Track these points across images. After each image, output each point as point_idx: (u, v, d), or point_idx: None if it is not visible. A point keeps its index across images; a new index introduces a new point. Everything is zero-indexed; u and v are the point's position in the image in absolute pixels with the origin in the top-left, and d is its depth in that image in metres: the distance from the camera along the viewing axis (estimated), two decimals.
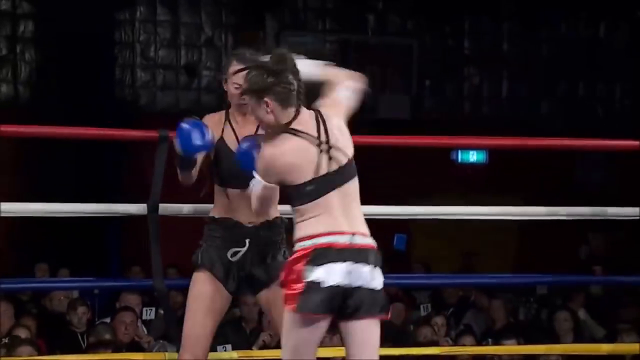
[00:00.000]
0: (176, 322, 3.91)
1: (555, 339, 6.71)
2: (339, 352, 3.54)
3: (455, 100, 11.40)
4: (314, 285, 3.20)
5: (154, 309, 6.49)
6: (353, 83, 3.44)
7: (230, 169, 3.63)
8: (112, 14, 10.22)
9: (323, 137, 3.28)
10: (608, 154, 10.18)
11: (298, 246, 3.28)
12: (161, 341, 6.10)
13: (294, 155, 3.28)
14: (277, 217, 3.72)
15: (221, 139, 3.71)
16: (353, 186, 3.30)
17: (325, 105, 3.36)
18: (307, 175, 3.27)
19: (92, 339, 6.04)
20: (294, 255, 3.27)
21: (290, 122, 3.30)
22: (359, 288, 3.22)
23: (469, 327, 7.11)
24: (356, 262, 3.21)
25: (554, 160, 9.76)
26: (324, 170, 3.27)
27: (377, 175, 10.21)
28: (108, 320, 6.36)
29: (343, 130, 3.33)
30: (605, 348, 4.68)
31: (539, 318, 7.91)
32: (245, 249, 3.67)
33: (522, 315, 8.13)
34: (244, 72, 3.50)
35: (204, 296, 3.66)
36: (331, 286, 3.20)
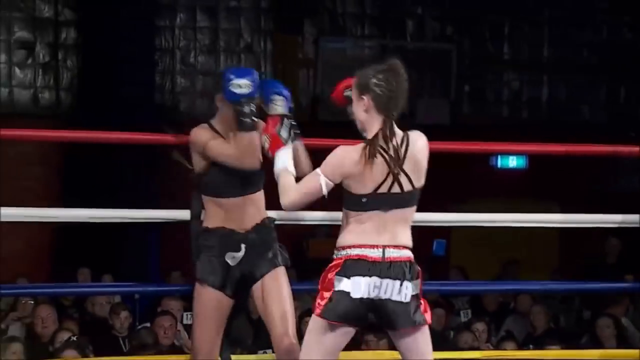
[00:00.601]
0: None
1: (598, 346, 6.66)
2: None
3: (495, 104, 11.36)
4: (341, 295, 3.29)
5: None
6: None
7: (225, 179, 3.71)
8: (152, 20, 10.30)
9: (400, 159, 3.35)
10: None
11: (335, 254, 3.39)
12: None
13: (364, 167, 3.34)
14: (265, 219, 3.82)
15: None
16: (408, 212, 3.37)
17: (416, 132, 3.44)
18: (367, 189, 3.35)
19: (134, 343, 6.10)
20: (330, 264, 3.38)
21: (377, 134, 3.37)
22: (386, 301, 3.30)
23: (510, 333, 7.08)
24: (384, 276, 3.29)
25: (595, 165, 9.70)
26: (384, 190, 3.34)
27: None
28: (149, 325, 6.40)
29: (420, 160, 3.38)
30: None
31: (580, 324, 7.85)
32: (242, 253, 3.76)
33: (563, 322, 8.08)
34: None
35: (209, 309, 3.77)
36: (357, 298, 3.29)
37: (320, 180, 3.37)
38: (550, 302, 7.96)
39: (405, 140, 3.38)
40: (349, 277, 3.29)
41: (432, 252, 8.89)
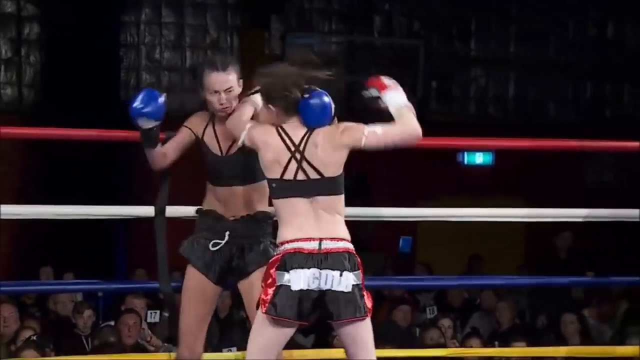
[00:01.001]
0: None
1: (562, 342, 6.72)
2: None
3: (462, 101, 11.41)
4: (283, 289, 3.36)
5: (158, 312, 6.52)
6: (398, 133, 3.54)
7: (211, 168, 3.76)
8: (117, 16, 10.25)
9: (301, 147, 3.43)
10: (618, 156, 10.17)
11: (274, 251, 3.49)
12: (166, 344, 6.12)
13: (270, 150, 3.46)
14: (259, 212, 3.81)
15: (202, 139, 3.81)
16: (327, 200, 3.43)
17: (343, 126, 3.50)
18: (274, 173, 3.45)
19: (96, 342, 6.06)
20: (271, 260, 3.46)
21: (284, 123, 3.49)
22: (327, 292, 3.36)
23: (476, 330, 7.12)
24: (323, 267, 3.35)
25: (563, 162, 9.77)
26: (289, 177, 3.44)
27: (382, 178, 10.25)
28: (112, 323, 6.37)
29: (326, 150, 3.44)
30: (611, 350, 4.68)
31: (544, 320, 7.92)
32: (224, 241, 3.77)
33: (528, 318, 8.14)
34: (221, 78, 3.66)
35: (192, 290, 3.80)
36: (298, 290, 3.35)
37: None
38: (517, 299, 8.01)
39: (309, 131, 3.47)
40: (288, 271, 3.36)
41: (398, 249, 8.93)
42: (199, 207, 3.86)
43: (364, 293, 3.42)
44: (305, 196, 3.40)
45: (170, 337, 6.01)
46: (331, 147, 3.44)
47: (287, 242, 3.41)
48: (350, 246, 3.43)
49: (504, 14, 11.34)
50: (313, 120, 3.47)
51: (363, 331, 3.42)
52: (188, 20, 10.68)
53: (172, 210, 4.01)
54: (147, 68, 10.56)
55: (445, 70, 11.32)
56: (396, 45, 11.13)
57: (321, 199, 3.41)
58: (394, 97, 3.57)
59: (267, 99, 3.48)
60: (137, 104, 3.68)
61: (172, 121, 3.94)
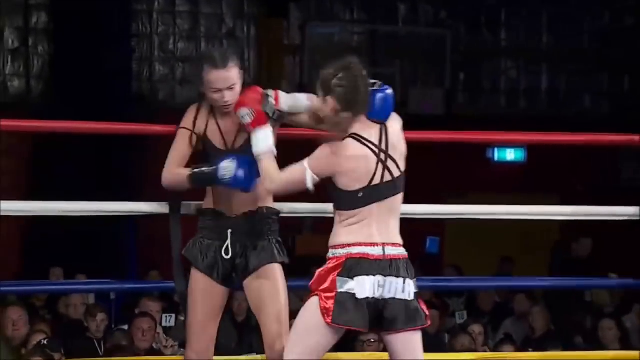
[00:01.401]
0: None
1: (601, 349, 6.69)
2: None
3: (491, 94, 11.39)
4: (348, 297, 3.35)
5: (174, 315, 6.54)
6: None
7: (214, 164, 3.72)
8: (129, 5, 10.28)
9: (383, 146, 3.45)
10: None
11: (331, 254, 3.44)
12: (182, 350, 6.13)
13: (356, 161, 3.42)
14: (261, 207, 3.81)
15: (204, 135, 3.80)
16: (398, 199, 3.46)
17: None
18: (361, 183, 3.42)
19: (109, 346, 6.09)
20: (328, 264, 3.42)
21: (353, 128, 3.47)
22: (391, 300, 3.37)
23: (509, 336, 7.10)
24: (388, 274, 3.36)
25: (598, 157, 9.73)
26: (377, 181, 3.43)
27: (407, 173, 10.19)
28: (126, 327, 6.40)
29: (400, 141, 3.49)
30: None
31: (583, 326, 7.89)
32: (228, 241, 3.78)
33: (565, 323, 8.09)
34: (222, 75, 3.67)
35: (198, 293, 3.79)
36: (364, 298, 3.34)
37: (306, 174, 3.44)
38: (551, 303, 7.98)
39: (382, 127, 3.48)
40: (352, 278, 3.35)
41: (424, 250, 8.90)
42: (199, 205, 3.86)
43: (421, 302, 3.45)
44: (385, 198, 3.41)
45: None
46: (402, 136, 3.49)
47: (349, 245, 3.38)
48: (406, 253, 3.44)
49: (535, 1, 11.31)
50: (385, 115, 3.49)
51: (418, 342, 3.43)
52: (203, 9, 10.71)
53: (187, 207, 4.02)
54: (160, 59, 10.59)
55: (473, 62, 11.30)
56: (422, 35, 11.12)
57: (393, 198, 3.43)
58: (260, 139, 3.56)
59: (345, 106, 3.44)
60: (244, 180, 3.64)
61: (183, 113, 3.94)
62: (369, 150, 3.43)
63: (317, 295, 3.39)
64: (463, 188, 10.22)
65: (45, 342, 5.64)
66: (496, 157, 10.86)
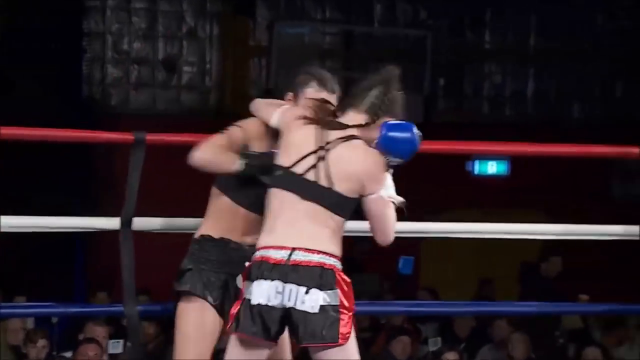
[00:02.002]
0: (144, 356, 3.90)
1: None
2: None
3: (474, 100, 11.41)
4: (246, 303, 3.40)
5: (121, 341, 6.49)
6: (389, 226, 3.57)
7: (248, 189, 3.64)
8: (80, 1, 10.24)
9: (329, 148, 3.46)
10: None
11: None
12: None
13: (300, 134, 3.48)
14: None
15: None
16: (323, 213, 3.43)
17: (380, 167, 3.52)
18: (288, 159, 3.46)
19: None
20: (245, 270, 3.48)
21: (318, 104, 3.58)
22: (291, 310, 3.37)
23: None
24: (287, 281, 3.35)
25: (587, 170, 9.76)
26: (300, 170, 3.44)
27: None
28: (69, 354, 6.34)
29: (352, 170, 3.45)
30: None
31: (565, 355, 7.90)
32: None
33: (545, 352, 8.10)
34: (316, 94, 3.64)
35: (205, 330, 3.65)
36: (257, 305, 3.36)
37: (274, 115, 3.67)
38: (532, 330, 7.98)
39: (349, 138, 3.48)
40: (252, 281, 3.39)
41: (397, 271, 8.90)
42: (204, 233, 3.71)
43: (343, 317, 3.38)
44: (303, 197, 3.41)
45: None
46: (356, 170, 3.46)
47: (260, 248, 3.43)
48: (330, 261, 3.41)
49: (522, 1, 11.35)
50: (401, 153, 3.54)
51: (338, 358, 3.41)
52: (161, 6, 10.68)
53: (140, 223, 3.98)
54: (113, 60, 10.54)
55: (455, 65, 11.32)
56: (400, 36, 11.14)
57: (316, 208, 3.42)
58: (390, 183, 3.59)
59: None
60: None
61: (141, 120, 3.91)
62: (314, 137, 3.46)
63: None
64: (440, 204, 10.22)
65: None
66: (476, 171, 10.86)
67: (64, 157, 8.74)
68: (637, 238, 4.43)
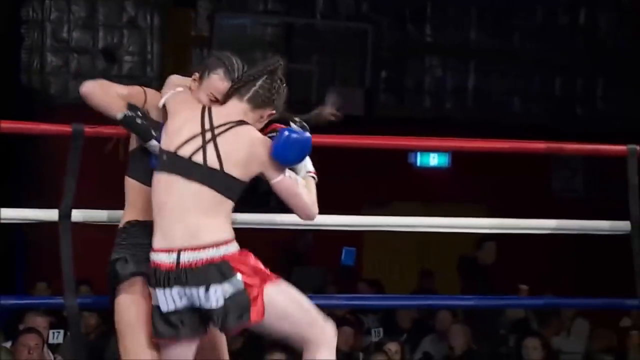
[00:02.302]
0: (85, 347, 3.89)
1: None
2: None
3: (416, 95, 11.47)
4: (156, 311, 3.42)
5: (62, 331, 6.47)
6: (306, 203, 3.52)
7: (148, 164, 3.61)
8: None
9: (217, 131, 3.43)
10: (589, 160, 10.31)
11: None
12: None
13: (182, 117, 3.46)
14: None
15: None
16: (211, 195, 3.40)
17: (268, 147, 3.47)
18: (173, 144, 3.43)
19: None
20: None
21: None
22: (196, 309, 3.40)
23: (428, 355, 7.15)
24: (185, 285, 3.37)
25: (527, 165, 9.87)
26: (184, 152, 3.42)
27: (324, 181, 10.23)
28: (9, 344, 6.30)
29: (241, 152, 3.43)
30: None
31: (506, 345, 8.00)
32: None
33: (486, 342, 8.21)
34: (220, 82, 3.56)
35: (147, 316, 3.52)
36: (168, 312, 3.40)
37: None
38: (474, 321, 8.08)
39: (237, 123, 3.47)
40: (155, 289, 3.40)
41: (340, 262, 8.92)
42: (129, 219, 3.63)
43: (252, 296, 3.39)
44: (189, 177, 3.38)
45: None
46: (247, 154, 3.44)
47: (154, 251, 3.41)
48: (219, 253, 3.38)
49: None
50: (288, 159, 3.47)
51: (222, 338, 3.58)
52: None
53: (79, 215, 3.97)
54: (52, 49, 10.46)
55: (397, 59, 11.37)
56: (341, 29, 11.16)
57: (204, 190, 3.39)
58: (308, 162, 3.59)
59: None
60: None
61: (80, 110, 3.88)
62: (200, 120, 3.45)
63: None
64: (384, 196, 10.28)
65: None
66: (418, 163, 10.95)
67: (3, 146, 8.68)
68: (573, 232, 4.51)
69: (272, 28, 10.98)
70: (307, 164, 3.57)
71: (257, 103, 3.50)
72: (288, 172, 3.49)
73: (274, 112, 3.54)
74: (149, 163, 3.58)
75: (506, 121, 10.94)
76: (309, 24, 11.07)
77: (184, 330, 3.39)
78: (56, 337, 6.49)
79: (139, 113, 3.57)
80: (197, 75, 3.61)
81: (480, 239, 8.06)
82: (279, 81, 3.52)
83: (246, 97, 3.49)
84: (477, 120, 10.91)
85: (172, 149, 3.43)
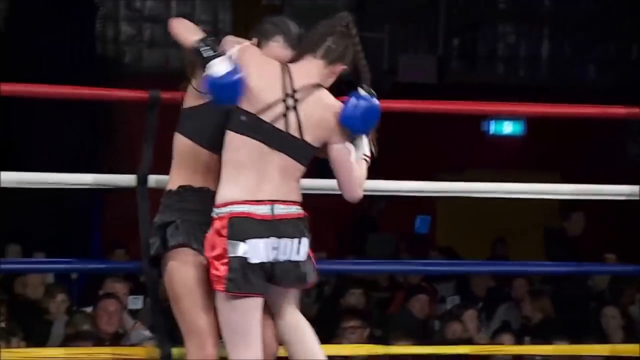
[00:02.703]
0: (164, 313, 3.94)
1: (604, 338, 6.75)
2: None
3: (488, 62, 11.40)
4: (239, 262, 3.39)
5: (141, 297, 6.55)
6: (355, 178, 3.56)
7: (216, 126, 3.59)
8: None
9: (298, 96, 3.46)
10: None
11: (215, 213, 3.45)
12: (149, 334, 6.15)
13: (263, 78, 3.46)
14: None
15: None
16: (290, 163, 3.45)
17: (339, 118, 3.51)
18: (252, 106, 3.43)
19: (70, 330, 6.10)
20: (213, 227, 3.44)
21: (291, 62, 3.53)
22: (283, 262, 3.44)
23: (507, 324, 7.15)
24: (280, 236, 3.41)
25: (602, 132, 9.78)
26: (267, 118, 3.44)
27: (396, 148, 10.22)
28: (89, 309, 6.41)
29: (321, 120, 3.47)
30: None
31: (585, 313, 7.96)
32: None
33: (564, 311, 8.17)
34: (280, 49, 3.57)
35: (201, 281, 3.57)
36: (258, 263, 3.40)
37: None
38: (548, 288, 8.05)
39: (316, 85, 3.49)
40: (244, 240, 3.39)
41: (414, 230, 8.97)
42: (181, 184, 3.63)
43: (312, 257, 3.51)
44: (272, 146, 3.42)
45: (154, 325, 6.05)
46: (321, 121, 3.47)
47: (232, 203, 3.40)
48: (300, 211, 3.48)
49: None
50: (361, 127, 3.52)
51: (296, 293, 3.56)
52: None
53: (156, 180, 3.98)
54: (126, 18, 10.55)
55: (469, 26, 11.30)
56: None
57: (285, 159, 3.44)
58: (364, 141, 3.59)
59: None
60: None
61: (154, 78, 3.93)
62: (281, 82, 3.45)
63: (210, 262, 3.43)
64: (458, 164, 10.26)
65: (3, 325, 5.65)
66: (492, 130, 10.89)
67: (81, 114, 8.81)
68: None
69: None
70: (364, 145, 3.58)
71: (331, 59, 3.52)
72: (349, 144, 3.52)
73: (345, 67, 3.55)
74: (204, 85, 3.51)
75: (581, 88, 10.83)
76: None
77: (261, 286, 3.42)
78: (135, 303, 6.58)
79: (212, 42, 3.52)
80: (255, 41, 3.61)
81: (567, 210, 7.99)
82: (349, 36, 3.53)
83: (320, 54, 3.52)
84: (551, 87, 10.82)
85: (253, 111, 3.44)
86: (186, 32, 3.56)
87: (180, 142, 3.66)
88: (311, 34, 3.55)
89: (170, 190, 3.65)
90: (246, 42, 3.61)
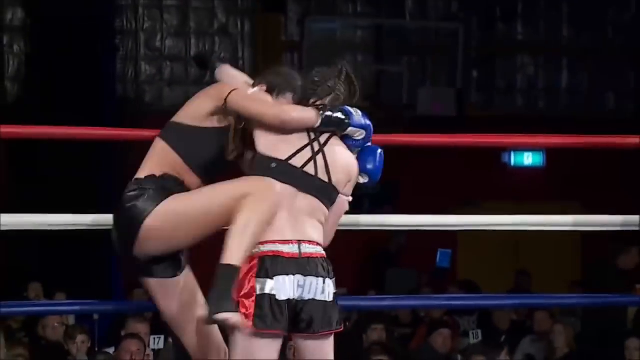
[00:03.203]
0: (185, 352, 3.93)
1: None
2: None
3: (507, 94, 11.39)
4: (266, 299, 3.41)
5: (162, 337, 6.54)
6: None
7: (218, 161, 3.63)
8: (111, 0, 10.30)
9: (322, 141, 3.53)
10: None
11: None
12: None
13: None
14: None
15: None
16: (319, 206, 3.51)
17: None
18: (280, 153, 3.49)
19: None
20: (242, 268, 3.44)
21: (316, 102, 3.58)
22: (310, 301, 3.44)
23: (531, 358, 7.08)
24: (306, 274, 3.44)
25: (620, 161, 9.73)
26: (297, 163, 3.49)
27: (415, 181, 10.22)
28: (112, 350, 6.40)
29: (343, 165, 3.54)
30: None
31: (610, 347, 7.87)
32: None
33: (589, 343, 8.10)
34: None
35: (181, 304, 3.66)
36: (284, 300, 3.42)
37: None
38: (571, 321, 7.98)
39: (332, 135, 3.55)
40: (271, 278, 3.42)
41: (435, 264, 8.90)
42: (159, 172, 3.63)
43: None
44: (302, 190, 3.48)
45: None
46: (346, 167, 3.54)
47: (262, 243, 3.44)
48: (324, 252, 3.51)
49: None
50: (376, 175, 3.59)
51: (331, 345, 3.51)
52: (193, 3, 10.73)
53: None
54: (146, 58, 10.60)
55: (487, 58, 11.31)
56: (431, 30, 11.14)
57: (314, 201, 3.50)
58: None
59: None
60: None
61: (172, 117, 3.93)
62: (305, 131, 3.51)
63: (238, 302, 3.44)
64: (478, 196, 10.22)
65: None
66: (512, 162, 10.85)
67: (103, 154, 8.82)
68: None
69: (361, 31, 10.99)
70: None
71: (338, 103, 3.57)
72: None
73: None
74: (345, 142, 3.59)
75: (600, 118, 10.80)
76: (399, 25, 11.06)
77: (286, 325, 3.41)
78: (157, 343, 6.56)
79: (326, 108, 3.57)
80: (264, 87, 3.63)
81: (623, 243, 7.93)
82: (353, 84, 3.59)
83: (328, 100, 3.57)
84: (570, 117, 10.79)
85: (282, 157, 3.49)
86: (303, 118, 3.55)
87: (167, 154, 3.63)
88: (312, 80, 3.60)
89: (146, 176, 3.62)
90: (245, 77, 3.67)
